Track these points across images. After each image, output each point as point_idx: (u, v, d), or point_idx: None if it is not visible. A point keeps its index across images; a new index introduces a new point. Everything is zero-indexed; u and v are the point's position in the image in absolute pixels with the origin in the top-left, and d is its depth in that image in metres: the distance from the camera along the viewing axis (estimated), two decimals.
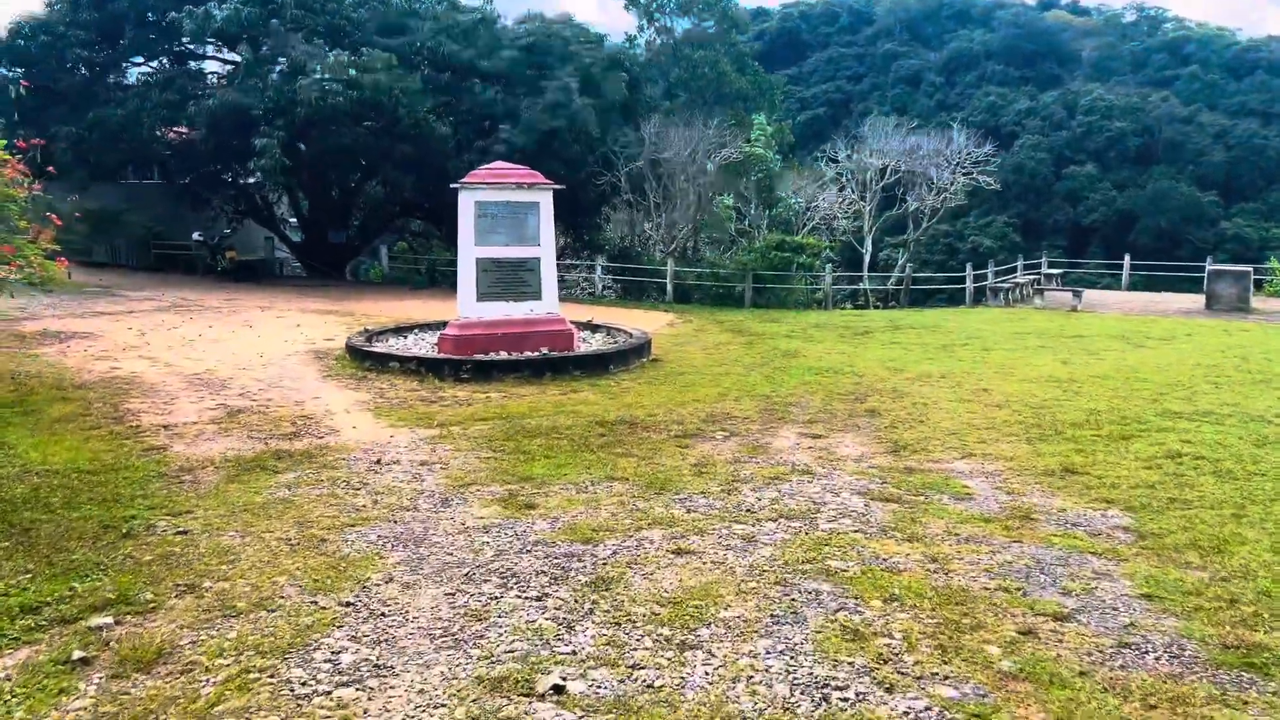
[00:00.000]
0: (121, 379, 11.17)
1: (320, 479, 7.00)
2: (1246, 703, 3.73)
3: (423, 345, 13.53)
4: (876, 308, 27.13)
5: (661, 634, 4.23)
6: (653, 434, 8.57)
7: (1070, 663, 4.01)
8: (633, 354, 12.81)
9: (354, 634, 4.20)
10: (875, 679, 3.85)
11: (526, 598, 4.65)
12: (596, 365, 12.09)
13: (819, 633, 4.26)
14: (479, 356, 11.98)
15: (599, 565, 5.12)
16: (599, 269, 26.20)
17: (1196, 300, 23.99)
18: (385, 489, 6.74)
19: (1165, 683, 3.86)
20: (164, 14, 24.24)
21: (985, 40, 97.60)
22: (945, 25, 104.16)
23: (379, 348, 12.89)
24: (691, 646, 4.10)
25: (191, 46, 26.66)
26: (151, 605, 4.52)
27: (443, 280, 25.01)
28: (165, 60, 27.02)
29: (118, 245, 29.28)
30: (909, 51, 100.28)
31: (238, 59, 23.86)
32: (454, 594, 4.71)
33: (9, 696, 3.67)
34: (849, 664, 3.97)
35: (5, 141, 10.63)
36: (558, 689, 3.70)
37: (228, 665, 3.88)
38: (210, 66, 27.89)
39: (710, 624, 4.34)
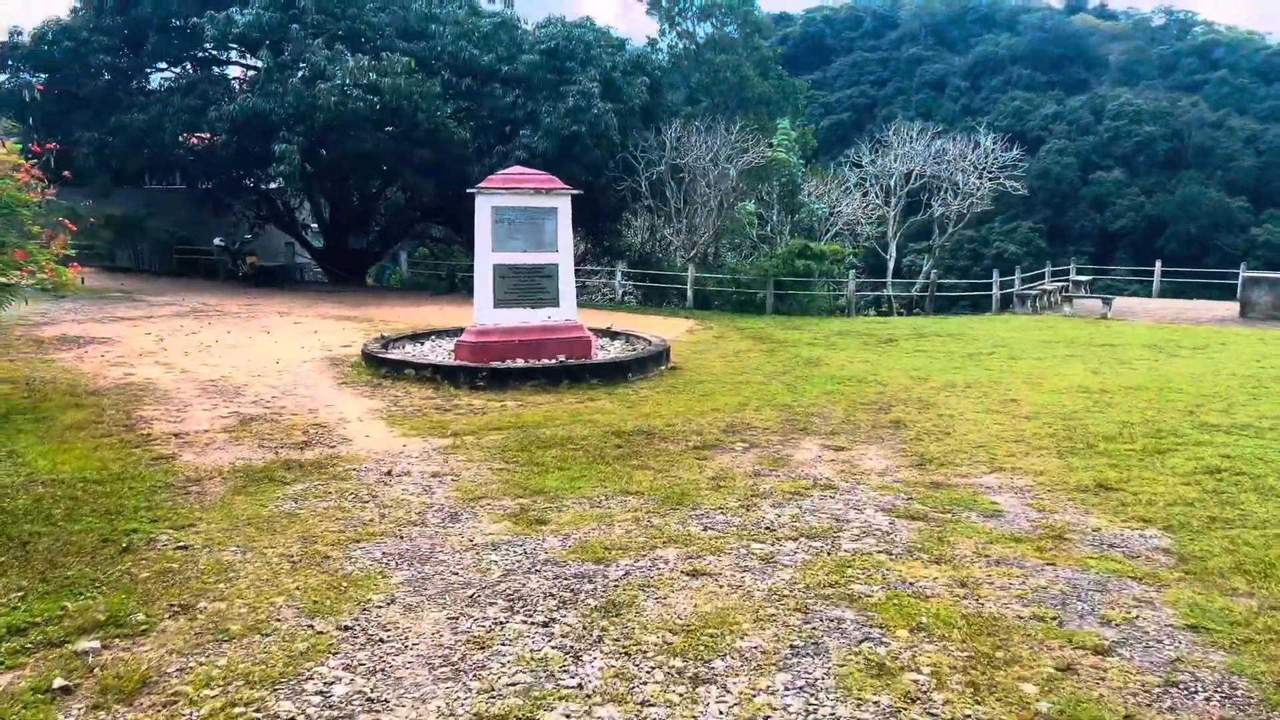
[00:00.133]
0: (136, 385, 11.06)
1: (328, 491, 6.82)
2: None
3: (439, 352, 13.36)
4: (900, 315, 26.77)
5: (673, 666, 3.99)
6: (670, 445, 8.34)
7: (1114, 705, 3.73)
8: (651, 362, 12.59)
9: (349, 662, 3.99)
10: None
11: (533, 623, 4.42)
12: (614, 373, 11.87)
13: (841, 666, 4.00)
14: (495, 364, 11.80)
15: (610, 587, 4.89)
16: (619, 275, 26.01)
17: (1230, 308, 23.49)
18: (394, 502, 6.54)
19: None
20: (186, 19, 24.29)
21: (1011, 44, 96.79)
22: (970, 29, 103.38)
23: (395, 354, 12.73)
24: (705, 681, 3.86)
25: (214, 52, 26.69)
26: (143, 627, 4.33)
27: (462, 286, 24.87)
28: (189, 66, 27.08)
29: (140, 250, 29.40)
30: (933, 56, 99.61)
31: (259, 64, 23.85)
32: (457, 618, 4.49)
33: None
34: (874, 703, 3.71)
35: (20, 146, 10.58)
36: None
37: (214, 697, 3.68)
38: (233, 72, 27.97)
39: (725, 655, 4.10)
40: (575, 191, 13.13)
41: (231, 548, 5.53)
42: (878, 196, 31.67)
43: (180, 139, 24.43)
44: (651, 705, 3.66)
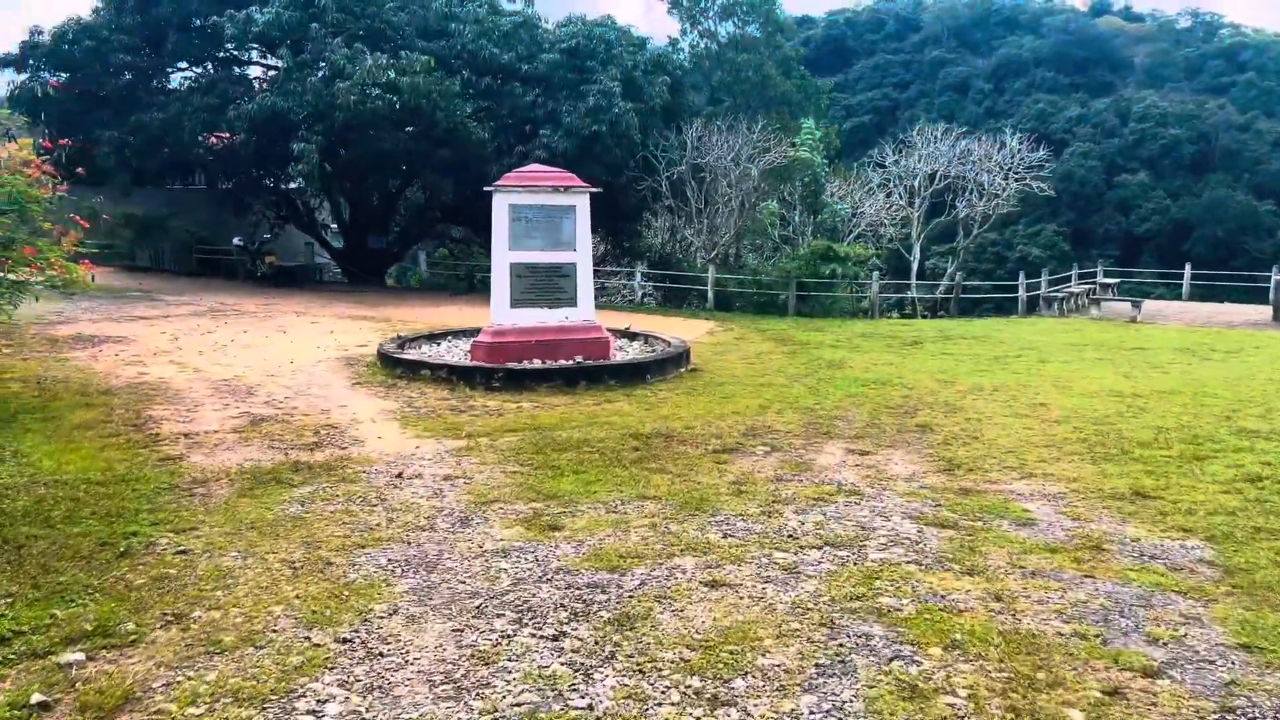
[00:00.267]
0: (148, 384, 10.91)
1: (336, 494, 6.61)
2: None
3: (456, 352, 13.16)
4: (924, 317, 26.40)
5: (690, 686, 3.73)
6: (689, 448, 8.09)
7: None
8: (670, 363, 12.34)
9: (346, 678, 3.76)
10: None
11: (542, 637, 4.18)
12: (632, 374, 11.63)
13: (871, 688, 3.73)
14: (512, 365, 11.59)
15: (624, 599, 4.64)
16: (638, 276, 25.77)
17: (1263, 311, 23.00)
18: (402, 506, 6.32)
19: None
20: (207, 18, 24.25)
21: (1035, 47, 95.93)
22: (994, 32, 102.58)
23: (410, 355, 12.54)
24: (724, 703, 3.60)
25: (234, 52, 26.65)
26: (132, 638, 4.12)
27: (481, 286, 24.67)
28: (210, 66, 27.07)
29: (161, 250, 29.41)
30: (956, 58, 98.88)
31: (279, 64, 23.78)
32: (462, 630, 4.25)
33: None
34: None
35: (32, 142, 10.47)
36: None
37: (199, 716, 3.45)
38: (254, 72, 27.92)
39: (746, 674, 3.83)
40: (594, 189, 12.90)
41: (232, 553, 5.32)
42: (901, 197, 31.28)
43: (200, 138, 24.37)
44: None
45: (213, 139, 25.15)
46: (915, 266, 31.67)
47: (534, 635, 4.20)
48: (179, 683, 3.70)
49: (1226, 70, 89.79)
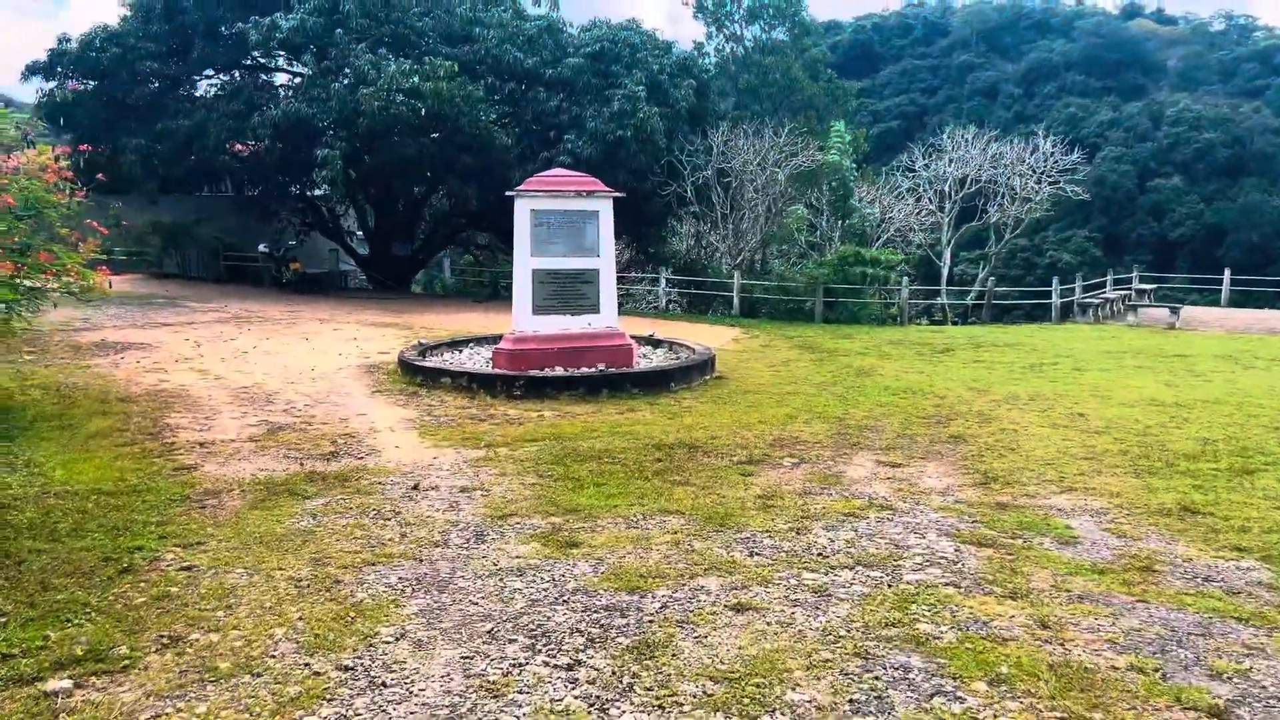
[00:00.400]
0: (168, 392, 10.79)
1: (349, 506, 6.41)
2: None
3: (477, 360, 12.97)
4: (955, 324, 25.95)
5: None
6: (713, 459, 7.82)
7: None
8: (695, 371, 12.07)
9: (344, 711, 3.52)
10: None
11: (555, 666, 3.92)
12: (656, 382, 11.38)
13: None
14: (533, 372, 11.36)
15: (644, 623, 4.38)
16: (663, 282, 25.51)
17: None
18: (417, 519, 6.10)
19: None
20: (233, 25, 24.28)
21: (1065, 50, 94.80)
22: (1024, 36, 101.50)
23: (432, 362, 12.35)
24: None
25: (261, 59, 26.70)
26: (124, 663, 3.91)
27: (505, 293, 24.53)
28: (237, 74, 27.13)
29: (188, 257, 29.44)
30: (985, 63, 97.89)
31: (304, 70, 23.76)
32: (472, 657, 4.01)
33: None
34: None
35: (50, 147, 10.39)
36: None
37: None
38: (279, 79, 27.96)
39: (774, 710, 3.55)
40: (617, 194, 12.66)
41: (238, 569, 5.12)
42: (931, 202, 30.82)
43: (225, 145, 24.38)
44: None
45: (238, 146, 25.16)
46: (945, 272, 31.18)
47: (547, 664, 3.94)
48: (168, 714, 3.48)
49: (1261, 73, 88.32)
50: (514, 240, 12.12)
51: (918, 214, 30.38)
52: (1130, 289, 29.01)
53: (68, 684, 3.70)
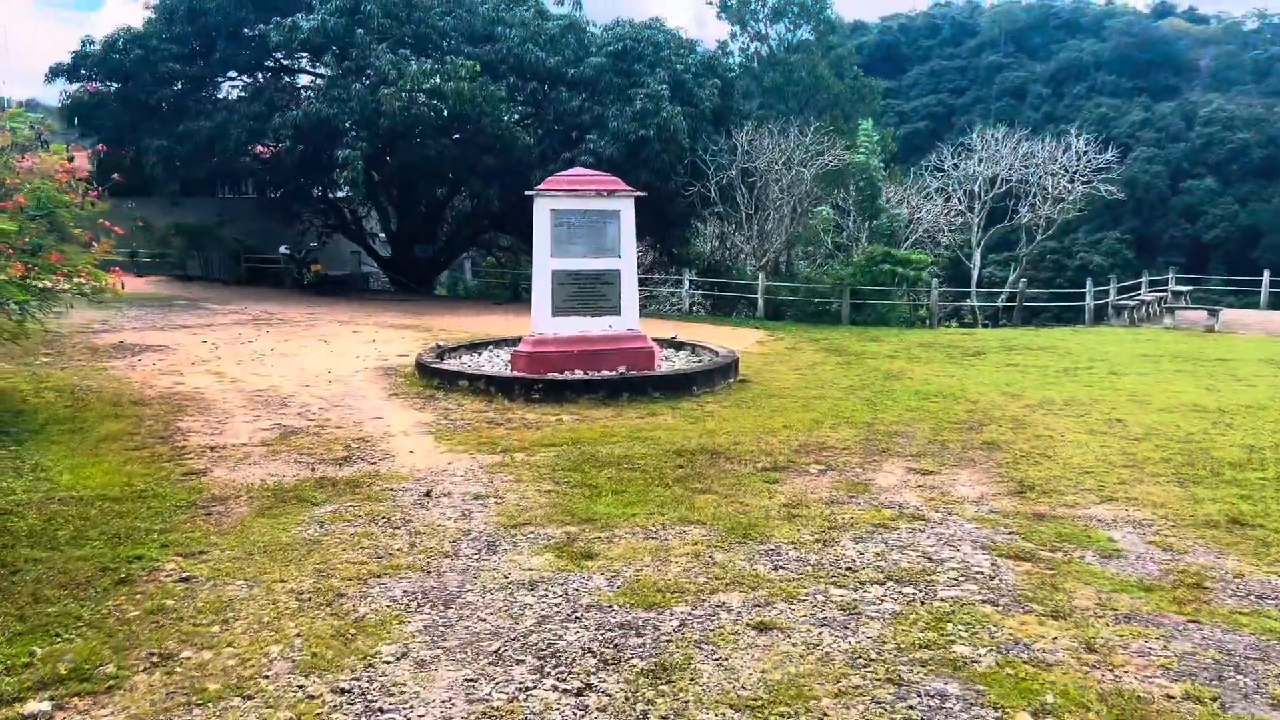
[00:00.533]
0: (182, 395, 10.64)
1: (359, 514, 6.18)
2: None
3: (496, 362, 12.75)
4: (985, 326, 25.49)
5: None
6: (736, 466, 7.54)
7: None
8: (718, 374, 11.78)
9: None
10: None
11: (565, 690, 3.66)
12: (678, 386, 11.11)
13: None
14: (552, 375, 11.12)
15: (661, 643, 4.11)
16: (686, 284, 25.22)
17: None
18: (427, 528, 5.87)
19: None
20: (255, 27, 24.25)
21: (1095, 50, 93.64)
22: (1053, 35, 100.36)
23: (449, 365, 12.14)
24: None
25: (283, 60, 26.67)
26: (109, 683, 3.69)
27: (526, 295, 24.19)
28: (259, 75, 27.13)
29: (210, 259, 29.49)
30: (1014, 63, 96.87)
31: (325, 71, 23.68)
32: (476, 679, 3.75)
33: None
34: None
35: (64, 147, 10.28)
36: None
37: None
38: (301, 80, 27.92)
39: None
40: (639, 193, 12.40)
41: (238, 581, 4.91)
42: (961, 202, 30.33)
43: (246, 147, 24.35)
44: None
45: (259, 148, 25.13)
46: (975, 274, 30.69)
47: (556, 688, 3.68)
48: None
49: None
50: (533, 241, 11.89)
51: (946, 214, 29.91)
52: (1166, 291, 28.42)
53: (47, 706, 3.48)
